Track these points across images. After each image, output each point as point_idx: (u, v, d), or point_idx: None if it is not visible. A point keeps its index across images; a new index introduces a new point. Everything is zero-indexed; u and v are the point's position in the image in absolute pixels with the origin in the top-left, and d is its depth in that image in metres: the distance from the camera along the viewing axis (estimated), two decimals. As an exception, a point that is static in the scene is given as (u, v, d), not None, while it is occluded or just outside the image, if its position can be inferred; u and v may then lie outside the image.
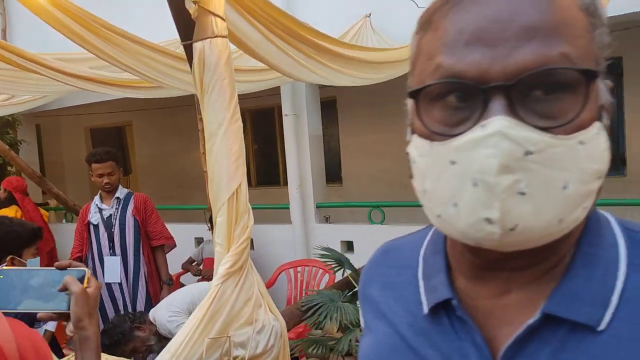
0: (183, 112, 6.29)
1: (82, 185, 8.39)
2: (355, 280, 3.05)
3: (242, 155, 1.96)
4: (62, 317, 0.96)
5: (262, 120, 7.53)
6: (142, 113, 7.69)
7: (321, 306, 2.78)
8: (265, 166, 7.83)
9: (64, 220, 6.30)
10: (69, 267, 0.98)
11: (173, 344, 1.80)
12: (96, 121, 8.45)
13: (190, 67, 1.95)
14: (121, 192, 3.29)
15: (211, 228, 2.52)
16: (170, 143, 8.21)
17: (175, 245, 3.48)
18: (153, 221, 3.29)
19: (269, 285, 3.99)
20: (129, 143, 9.19)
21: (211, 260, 4.65)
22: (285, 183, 5.12)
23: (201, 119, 2.28)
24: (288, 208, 4.79)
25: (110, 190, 3.25)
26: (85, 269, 0.99)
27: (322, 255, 3.30)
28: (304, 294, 3.93)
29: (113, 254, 3.19)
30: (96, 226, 3.23)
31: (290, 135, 4.71)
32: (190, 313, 2.48)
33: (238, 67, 3.12)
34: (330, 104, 6.66)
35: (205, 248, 4.53)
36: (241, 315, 1.92)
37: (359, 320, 2.38)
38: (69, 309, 0.94)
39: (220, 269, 1.91)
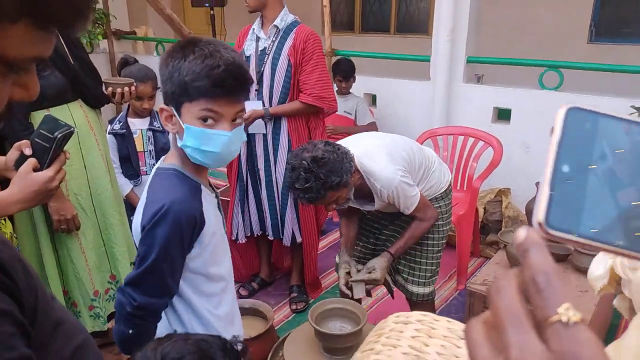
0: None
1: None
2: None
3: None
4: None
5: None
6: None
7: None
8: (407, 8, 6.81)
9: (155, 53, 5.53)
10: None
11: None
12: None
13: None
14: (283, 19, 2.50)
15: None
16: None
17: (335, 111, 2.73)
18: (310, 68, 2.48)
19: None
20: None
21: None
22: (424, 30, 4.17)
23: None
24: (428, 60, 3.91)
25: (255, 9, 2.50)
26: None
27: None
28: (468, 167, 3.24)
29: (259, 97, 2.54)
30: (248, 58, 2.54)
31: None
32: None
33: None
34: None
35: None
36: None
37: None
38: None
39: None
